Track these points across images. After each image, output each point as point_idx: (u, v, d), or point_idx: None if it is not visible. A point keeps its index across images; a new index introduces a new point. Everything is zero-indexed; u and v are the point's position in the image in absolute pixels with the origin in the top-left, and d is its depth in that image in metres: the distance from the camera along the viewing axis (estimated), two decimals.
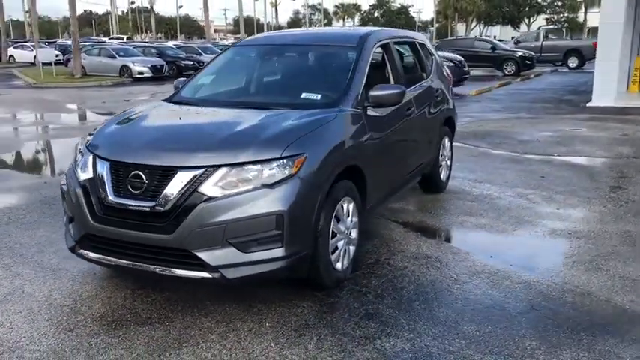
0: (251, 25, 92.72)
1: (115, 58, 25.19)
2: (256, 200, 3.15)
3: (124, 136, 3.68)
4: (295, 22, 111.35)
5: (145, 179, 3.25)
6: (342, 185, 3.67)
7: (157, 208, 3.19)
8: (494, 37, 64.42)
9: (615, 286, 3.79)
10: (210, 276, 3.17)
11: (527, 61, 24.14)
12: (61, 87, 21.41)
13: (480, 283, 3.84)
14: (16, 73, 28.26)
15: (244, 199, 3.15)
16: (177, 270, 3.22)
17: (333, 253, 3.65)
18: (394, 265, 4.16)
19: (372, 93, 4.10)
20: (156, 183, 3.22)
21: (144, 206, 3.22)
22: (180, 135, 3.69)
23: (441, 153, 5.86)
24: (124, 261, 3.34)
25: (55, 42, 47.22)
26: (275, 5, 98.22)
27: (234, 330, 3.24)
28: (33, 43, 33.95)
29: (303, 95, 4.18)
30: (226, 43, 48.25)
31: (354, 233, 3.94)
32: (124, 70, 24.62)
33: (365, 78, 4.26)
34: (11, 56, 40.94)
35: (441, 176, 5.98)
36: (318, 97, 4.15)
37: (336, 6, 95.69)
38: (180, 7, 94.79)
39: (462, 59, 17.16)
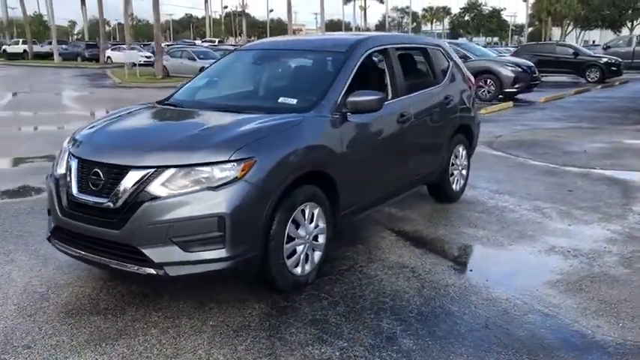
0: (341, 28, 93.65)
1: (195, 60, 26.23)
2: (199, 202, 3.24)
3: (96, 134, 3.88)
4: (383, 25, 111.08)
5: (102, 176, 3.42)
6: (303, 190, 3.69)
7: (109, 204, 3.35)
8: (593, 42, 61.12)
9: (588, 309, 3.56)
10: (155, 272, 3.29)
11: (612, 68, 22.77)
12: (141, 87, 22.55)
13: (443, 297, 3.73)
14: (108, 74, 30.14)
15: (188, 200, 3.24)
16: (128, 265, 3.37)
17: (290, 257, 3.67)
18: (366, 273, 4.12)
19: (350, 99, 4.08)
20: (111, 181, 3.38)
21: (100, 202, 3.39)
22: (141, 136, 3.84)
23: (452, 162, 5.71)
24: (86, 254, 3.53)
25: (149, 44, 49.89)
26: (364, 9, 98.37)
27: (177, 326, 3.34)
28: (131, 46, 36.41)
29: (280, 100, 4.23)
30: None
31: (321, 239, 3.94)
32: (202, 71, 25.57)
33: (347, 84, 4.23)
34: (109, 57, 43.66)
35: (453, 186, 5.82)
36: (294, 101, 4.18)
37: (424, 9, 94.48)
38: (271, 10, 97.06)
39: (532, 65, 16.47)
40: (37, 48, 53.23)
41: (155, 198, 3.25)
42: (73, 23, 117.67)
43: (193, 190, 3.26)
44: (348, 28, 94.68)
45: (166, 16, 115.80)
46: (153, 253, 3.26)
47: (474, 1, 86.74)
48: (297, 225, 3.71)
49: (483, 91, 15.82)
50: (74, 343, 3.15)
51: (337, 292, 3.81)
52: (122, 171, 3.36)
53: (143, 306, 3.59)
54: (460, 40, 21.55)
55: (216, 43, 56.18)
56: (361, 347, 3.12)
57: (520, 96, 16.48)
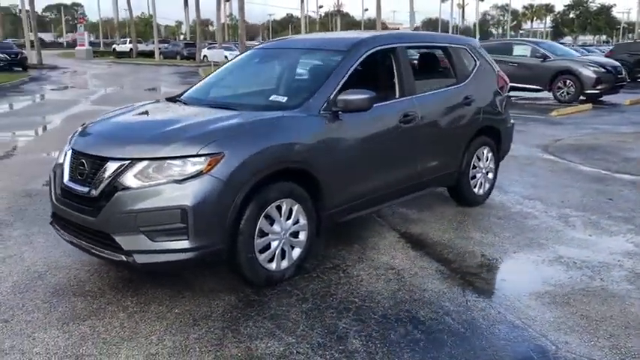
0: (439, 27, 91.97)
1: None
2: (165, 193, 3.38)
3: (91, 128, 4.13)
4: (482, 23, 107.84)
5: (86, 167, 3.65)
6: (278, 186, 3.74)
7: (90, 193, 3.57)
8: None
9: (564, 324, 3.36)
10: (125, 259, 3.47)
11: None
12: None
13: (415, 302, 3.65)
14: (199, 71, 31.46)
15: (155, 192, 3.39)
16: (105, 251, 3.57)
17: (263, 252, 3.73)
18: (349, 272, 4.11)
19: (340, 97, 4.08)
20: (93, 171, 3.61)
21: (83, 191, 3.63)
22: (125, 130, 4.03)
23: (474, 164, 5.53)
24: (74, 239, 3.78)
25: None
26: (462, 7, 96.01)
27: (144, 312, 3.51)
28: (224, 45, 37.98)
29: (272, 98, 4.31)
30: None
31: (302, 236, 3.98)
32: None
33: (341, 83, 4.23)
34: (205, 56, 45.57)
35: (475, 189, 5.63)
36: (285, 99, 4.24)
37: (524, 7, 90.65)
38: (366, 10, 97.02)
39: (618, 65, 15.44)
40: (142, 47, 56.64)
41: (127, 188, 3.43)
42: (179, 23, 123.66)
43: (161, 183, 3.40)
44: (445, 26, 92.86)
45: (267, 16, 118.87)
46: (123, 241, 3.45)
47: None
48: (271, 220, 3.76)
49: (562, 93, 15.06)
50: (46, 320, 3.40)
51: (311, 289, 3.83)
52: (102, 162, 3.57)
53: (123, 290, 3.79)
54: (541, 40, 20.42)
55: None
56: (307, 345, 3.14)
57: (605, 98, 15.51)
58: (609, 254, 4.47)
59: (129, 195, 3.42)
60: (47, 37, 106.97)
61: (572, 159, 8.01)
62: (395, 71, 4.79)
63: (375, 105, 4.45)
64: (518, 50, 16.21)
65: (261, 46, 5.51)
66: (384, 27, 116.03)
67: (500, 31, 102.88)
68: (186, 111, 4.31)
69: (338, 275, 4.06)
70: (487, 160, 5.74)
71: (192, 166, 3.42)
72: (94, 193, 3.54)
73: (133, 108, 4.56)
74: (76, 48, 55.40)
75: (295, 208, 3.88)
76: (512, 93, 17.09)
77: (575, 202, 5.89)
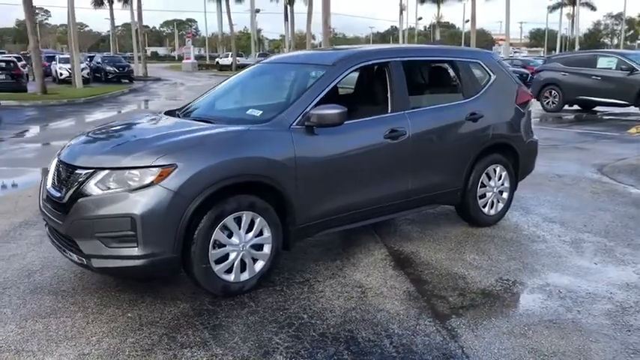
0: (551, 38, 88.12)
1: None
2: (118, 202, 3.55)
3: (79, 138, 4.40)
4: (595, 33, 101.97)
5: (62, 174, 3.92)
6: (237, 199, 3.81)
7: (61, 198, 3.83)
8: None
9: (506, 357, 3.16)
10: (85, 262, 3.69)
11: None
12: None
13: (363, 322, 3.57)
14: None
15: (110, 200, 3.57)
16: (71, 253, 3.81)
17: (219, 262, 3.81)
18: (314, 288, 4.09)
19: (312, 111, 4.10)
20: (65, 178, 3.86)
21: (56, 196, 3.89)
22: (101, 141, 4.24)
23: (483, 182, 5.30)
24: (53, 240, 4.06)
25: None
26: (572, 16, 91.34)
27: (100, 313, 3.69)
28: None
29: (248, 112, 4.39)
30: (519, 56, 47.37)
31: (266, 248, 4.01)
32: None
33: (319, 98, 4.23)
34: None
35: (485, 209, 5.39)
36: (259, 113, 4.31)
37: None
38: (467, 21, 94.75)
39: None
40: (243, 60, 58.95)
41: (88, 196, 3.64)
42: (283, 37, 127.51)
43: (116, 192, 3.58)
44: (552, 36, 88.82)
45: (368, 29, 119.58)
46: (83, 245, 3.66)
47: None
48: (230, 232, 3.83)
49: None
50: (11, 315, 3.67)
51: (267, 302, 3.85)
52: (73, 170, 3.81)
53: (92, 292, 4.01)
54: (631, 51, 18.93)
55: None
56: (231, 357, 3.17)
57: None
58: (604, 285, 4.12)
59: (89, 202, 3.62)
60: (161, 50, 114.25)
61: (624, 180, 7.42)
62: (387, 86, 4.72)
63: (356, 120, 4.44)
64: (602, 62, 15.23)
65: (265, 60, 5.62)
66: (489, 38, 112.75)
67: (614, 41, 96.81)
68: (166, 124, 4.49)
69: (302, 290, 4.05)
70: (500, 179, 5.46)
71: (146, 177, 3.56)
72: (64, 199, 3.79)
73: (125, 120, 4.81)
74: (183, 61, 58.75)
75: (258, 220, 3.92)
76: (598, 108, 16.14)
77: (600, 226, 5.47)
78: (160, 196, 3.54)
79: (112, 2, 46.38)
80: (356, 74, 4.55)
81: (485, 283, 4.17)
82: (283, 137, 4.03)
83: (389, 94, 4.71)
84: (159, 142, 3.84)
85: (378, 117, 4.62)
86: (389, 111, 4.68)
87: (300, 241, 4.37)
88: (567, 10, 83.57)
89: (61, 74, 30.97)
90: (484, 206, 5.40)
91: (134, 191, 3.54)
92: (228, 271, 3.87)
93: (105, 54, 44.39)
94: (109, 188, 3.60)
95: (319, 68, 4.57)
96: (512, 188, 5.63)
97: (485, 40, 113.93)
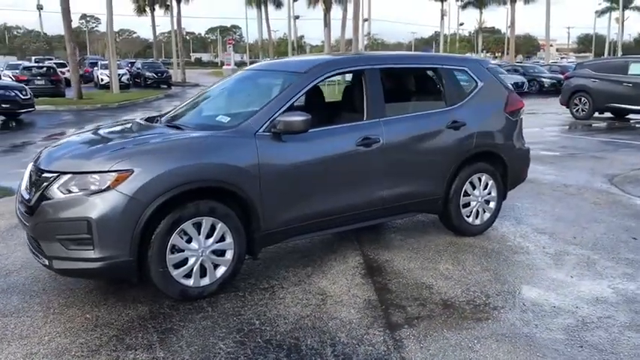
0: (600, 43, 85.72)
1: None
2: (76, 205, 3.65)
3: (56, 143, 4.54)
4: None
5: (32, 177, 4.06)
6: (196, 204, 3.86)
7: (29, 201, 3.96)
8: None
9: None
10: (47, 264, 3.80)
11: None
12: None
13: (312, 330, 3.57)
14: None
15: (70, 203, 3.68)
16: (37, 254, 3.93)
17: (178, 267, 3.87)
18: (276, 294, 4.10)
19: (278, 118, 4.13)
20: (34, 181, 3.99)
21: (26, 198, 4.02)
22: (71, 145, 4.33)
23: (466, 192, 5.21)
24: (28, 242, 4.20)
25: None
26: (621, 21, 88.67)
27: (60, 314, 3.79)
28: None
29: (217, 118, 4.45)
30: (565, 62, 46.52)
31: (228, 254, 4.05)
32: None
33: (287, 105, 4.26)
34: None
35: (469, 219, 5.30)
36: (227, 120, 4.37)
37: None
38: (509, 26, 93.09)
39: None
40: None
41: (50, 199, 3.75)
42: (323, 43, 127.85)
43: (76, 195, 3.68)
44: (601, 41, 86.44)
45: (410, 34, 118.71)
46: (45, 247, 3.78)
47: None
48: (189, 237, 3.89)
49: None
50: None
51: (224, 307, 3.88)
52: (41, 173, 3.94)
53: (60, 292, 4.13)
54: None
55: None
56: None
57: None
58: (573, 299, 4.00)
59: (51, 205, 3.73)
60: (205, 56, 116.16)
61: (631, 191, 7.17)
62: (363, 94, 4.71)
63: (327, 127, 4.45)
64: (634, 69, 14.75)
65: (247, 67, 5.67)
66: (535, 43, 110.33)
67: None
68: (136, 130, 4.59)
69: (263, 296, 4.07)
70: (486, 189, 5.36)
71: (103, 182, 3.65)
72: (32, 201, 3.91)
73: (105, 125, 4.94)
74: (224, 67, 59.60)
75: (219, 226, 3.97)
76: (631, 116, 15.63)
77: (590, 239, 5.31)
78: (115, 201, 3.62)
79: (154, 10, 47.54)
80: (326, 82, 4.53)
81: (449, 294, 4.10)
82: (246, 144, 4.06)
83: (364, 102, 4.69)
84: (119, 147, 3.93)
85: (351, 124, 4.61)
86: (364, 118, 4.66)
87: (267, 247, 4.39)
88: (616, 14, 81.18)
89: (102, 80, 31.87)
90: (468, 215, 5.31)
91: (92, 195, 3.63)
92: (187, 275, 3.92)
93: (145, 60, 45.54)
94: (70, 192, 3.70)
95: (292, 76, 4.59)
96: (500, 198, 5.52)
97: (532, 45, 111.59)
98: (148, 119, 4.98)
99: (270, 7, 51.95)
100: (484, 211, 5.41)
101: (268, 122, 4.16)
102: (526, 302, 3.95)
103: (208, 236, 3.96)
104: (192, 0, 45.04)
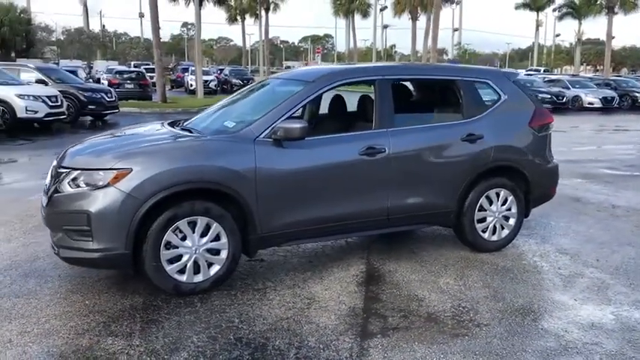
0: None
1: (569, 89, 27.23)
2: (80, 199, 3.96)
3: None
4: None
5: (53, 172, 4.42)
6: (191, 204, 4.06)
7: (47, 194, 4.32)
8: None
9: None
10: (56, 252, 4.14)
11: None
12: None
13: (286, 332, 3.65)
14: None
15: (75, 197, 3.99)
16: (52, 244, 4.28)
17: (172, 263, 4.08)
18: (267, 296, 4.21)
19: (277, 125, 4.27)
20: (53, 176, 4.35)
21: (45, 192, 4.39)
22: (88, 145, 4.63)
23: (482, 206, 5.10)
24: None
25: None
26: None
27: (64, 298, 4.10)
28: None
29: (225, 123, 4.65)
30: None
31: (222, 254, 4.22)
32: (575, 100, 26.63)
33: (291, 111, 4.40)
34: None
35: (484, 234, 5.17)
36: (232, 125, 4.55)
37: None
38: (613, 37, 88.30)
39: None
40: None
41: (61, 192, 4.09)
42: (416, 52, 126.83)
43: (81, 190, 3.99)
44: None
45: (505, 45, 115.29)
46: (54, 236, 4.12)
47: None
48: (184, 235, 4.09)
49: None
50: None
51: (213, 304, 4.05)
52: (58, 169, 4.29)
53: (72, 279, 4.46)
54: None
55: (541, 72, 52.45)
56: (143, 349, 3.41)
57: None
58: (565, 322, 3.84)
59: (60, 198, 4.06)
60: (296, 65, 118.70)
61: None
62: (372, 103, 4.75)
63: (330, 135, 4.54)
64: None
65: (271, 76, 5.84)
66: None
67: None
68: (152, 132, 4.86)
69: (253, 296, 4.21)
70: (504, 204, 5.21)
71: (102, 178, 3.93)
72: (48, 194, 4.27)
73: (126, 127, 5.27)
74: None
75: (213, 226, 4.14)
76: None
77: (614, 263, 5.03)
78: (113, 196, 3.88)
79: (244, 19, 49.26)
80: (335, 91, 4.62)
81: (437, 308, 4.05)
82: (244, 148, 4.21)
83: (374, 112, 4.73)
84: (125, 147, 4.21)
85: (356, 133, 4.66)
86: (373, 128, 4.70)
87: (263, 249, 4.53)
88: None
89: (191, 85, 33.33)
90: (484, 231, 5.19)
91: (94, 190, 3.92)
92: (181, 271, 4.12)
93: (233, 67, 47.19)
94: (78, 186, 4.01)
95: (300, 84, 4.71)
96: (521, 215, 5.33)
97: (638, 57, 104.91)
98: (170, 123, 5.25)
99: (358, 17, 52.32)
100: (502, 228, 5.26)
101: (269, 129, 4.29)
102: (514, 322, 3.83)
103: (203, 235, 4.14)
104: (281, 9, 46.18)
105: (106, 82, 24.75)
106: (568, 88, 27.38)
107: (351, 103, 5.70)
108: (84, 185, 3.98)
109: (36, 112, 14.21)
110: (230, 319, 3.82)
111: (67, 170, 4.11)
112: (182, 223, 4.06)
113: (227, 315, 3.88)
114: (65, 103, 15.51)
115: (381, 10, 51.53)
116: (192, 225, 4.10)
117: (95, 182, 3.95)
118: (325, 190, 4.49)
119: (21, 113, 14.06)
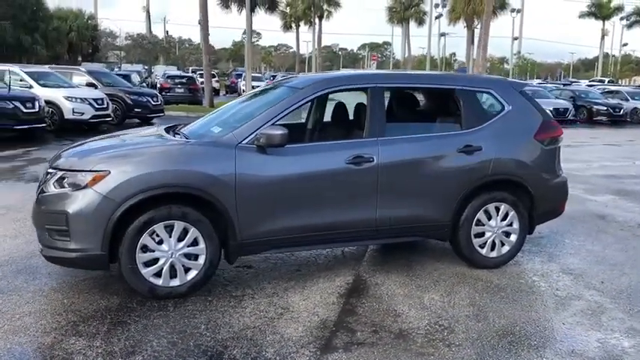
0: None
1: (628, 100, 26.47)
2: (60, 200, 4.04)
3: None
4: None
5: (44, 173, 4.54)
6: (169, 208, 4.08)
7: (37, 193, 4.44)
8: None
9: None
10: (40, 250, 4.24)
11: None
12: None
13: (246, 341, 3.61)
14: None
15: (57, 197, 4.07)
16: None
17: (148, 266, 4.11)
18: (242, 304, 4.16)
19: (260, 131, 4.24)
20: (43, 176, 4.47)
21: (38, 191, 4.52)
22: (80, 146, 4.71)
23: (479, 221, 4.90)
24: None
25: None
26: None
27: (45, 296, 4.20)
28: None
29: (212, 128, 4.65)
30: None
31: (200, 259, 4.21)
32: (635, 112, 25.85)
33: (277, 118, 4.36)
34: None
35: (482, 250, 4.97)
36: (218, 130, 4.55)
37: None
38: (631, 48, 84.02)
39: None
40: None
41: (46, 192, 4.19)
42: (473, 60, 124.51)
43: (63, 191, 4.07)
44: None
45: (569, 54, 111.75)
46: (39, 235, 4.23)
47: None
48: (161, 239, 4.11)
49: None
50: None
51: (186, 309, 4.04)
52: (46, 170, 4.41)
53: (58, 277, 4.55)
54: None
55: (605, 83, 50.03)
56: (102, 350, 3.43)
57: None
58: (543, 349, 3.62)
59: (44, 197, 4.17)
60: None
61: None
62: (364, 112, 4.66)
63: (315, 143, 4.49)
64: None
65: (273, 80, 5.81)
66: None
67: None
68: (142, 137, 4.92)
69: (228, 303, 4.18)
70: (505, 219, 4.99)
71: (81, 179, 4.01)
72: (37, 193, 4.39)
73: (122, 132, 5.36)
74: None
75: (191, 231, 4.15)
76: None
77: (620, 286, 4.73)
78: (90, 198, 3.95)
79: (299, 26, 49.71)
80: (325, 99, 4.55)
81: (412, 325, 3.91)
82: (224, 154, 4.20)
83: (365, 120, 4.64)
84: (109, 150, 4.28)
85: (343, 142, 4.59)
86: (363, 136, 4.61)
87: (244, 256, 4.51)
88: None
89: (243, 90, 33.89)
90: (482, 246, 4.98)
91: (74, 191, 4.00)
92: (157, 275, 4.14)
93: (285, 74, 47.69)
94: (62, 187, 4.10)
95: (290, 91, 4.67)
96: (524, 231, 5.09)
97: None
98: (167, 128, 5.29)
99: (414, 25, 51.92)
100: (502, 244, 5.04)
101: (253, 135, 4.27)
102: (488, 344, 3.65)
103: (180, 239, 4.15)
104: (334, 17, 46.48)
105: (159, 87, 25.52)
106: (627, 100, 26.28)
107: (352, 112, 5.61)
108: (67, 186, 4.06)
109: (82, 113, 14.76)
110: (197, 325, 3.80)
111: (54, 171, 4.21)
112: (159, 227, 4.08)
113: (195, 321, 3.87)
114: (112, 106, 16.03)
115: (437, 18, 50.85)
116: (170, 229, 4.11)
117: (78, 183, 4.02)
118: (309, 198, 4.42)
119: (68, 115, 14.65)
